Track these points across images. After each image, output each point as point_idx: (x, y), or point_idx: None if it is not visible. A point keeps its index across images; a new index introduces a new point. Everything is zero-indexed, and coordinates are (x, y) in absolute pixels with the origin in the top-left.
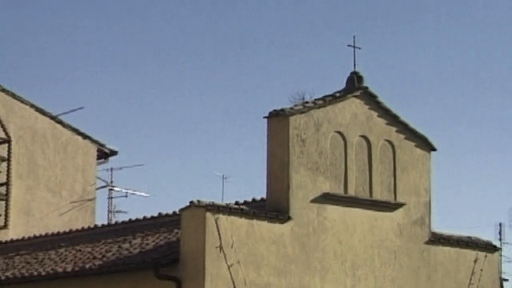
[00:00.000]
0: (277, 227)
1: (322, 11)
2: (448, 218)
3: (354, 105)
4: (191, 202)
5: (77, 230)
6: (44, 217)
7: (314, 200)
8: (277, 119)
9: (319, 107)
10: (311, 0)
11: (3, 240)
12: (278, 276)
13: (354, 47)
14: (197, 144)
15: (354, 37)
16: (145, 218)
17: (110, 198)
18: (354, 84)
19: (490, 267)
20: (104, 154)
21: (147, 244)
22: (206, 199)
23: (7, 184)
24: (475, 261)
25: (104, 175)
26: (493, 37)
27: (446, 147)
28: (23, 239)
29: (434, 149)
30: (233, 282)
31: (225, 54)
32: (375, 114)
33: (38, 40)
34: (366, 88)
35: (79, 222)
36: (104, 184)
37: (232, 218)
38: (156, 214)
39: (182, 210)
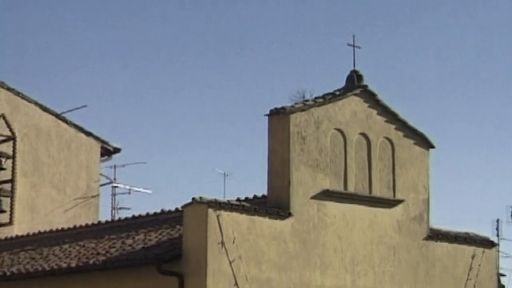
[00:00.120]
0: (277, 223)
1: (322, 11)
2: (447, 214)
3: (353, 103)
4: (193, 199)
5: (81, 227)
6: (49, 214)
7: (314, 197)
8: (278, 117)
9: (319, 105)
10: (312, 1)
11: (9, 236)
12: (279, 272)
13: (353, 46)
14: (199, 141)
15: (353, 36)
16: (148, 215)
17: (114, 195)
18: (354, 83)
19: (487, 262)
20: (107, 152)
21: (150, 240)
22: (208, 196)
23: (12, 181)
24: (473, 256)
25: (108, 172)
26: (491, 35)
27: (445, 145)
28: (28, 235)
29: (432, 147)
30: (235, 278)
31: (226, 53)
32: (374, 112)
33: (42, 40)
34: (366, 86)
35: (83, 218)
36: (108, 181)
37: (234, 214)
38: (158, 211)
39: (184, 206)
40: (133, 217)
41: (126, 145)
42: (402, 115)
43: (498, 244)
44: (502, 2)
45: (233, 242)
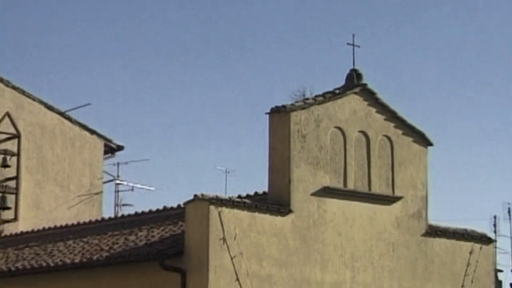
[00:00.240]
0: (278, 219)
1: (322, 11)
2: (445, 211)
3: (353, 102)
4: (195, 196)
5: (84, 223)
6: (53, 210)
7: (315, 194)
8: (279, 115)
9: (319, 104)
10: (312, 0)
11: (13, 232)
12: (280, 267)
13: (353, 45)
14: (201, 139)
15: (353, 35)
16: (150, 211)
17: (117, 191)
18: (353, 81)
19: (485, 258)
20: (110, 149)
21: (152, 236)
22: (210, 193)
23: (17, 178)
24: (471, 252)
25: (111, 169)
26: (489, 34)
27: (443, 143)
28: (32, 231)
29: (431, 144)
30: (236, 273)
31: (228, 53)
32: (373, 110)
33: (46, 39)
34: (365, 85)
35: (86, 215)
36: (111, 178)
37: (235, 211)
38: (161, 207)
39: (186, 203)
40: (136, 213)
41: (129, 143)
42: (401, 113)
43: (495, 240)
44: (500, 1)
45: (235, 238)
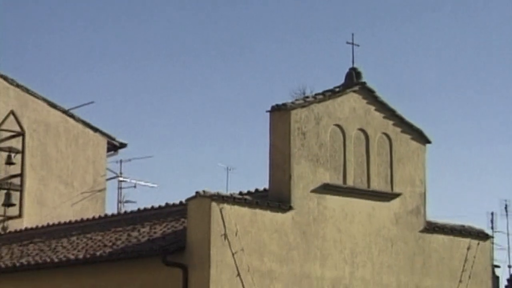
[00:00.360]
0: (279, 216)
1: (322, 11)
2: (443, 207)
3: (352, 100)
4: (197, 193)
5: (88, 219)
6: (57, 207)
7: (315, 190)
8: (279, 113)
9: (319, 102)
10: (312, 0)
11: (18, 229)
12: (280, 263)
13: (352, 44)
14: (202, 137)
15: (352, 34)
16: (153, 208)
17: (120, 188)
18: (353, 80)
19: (482, 254)
20: (113, 147)
21: (155, 233)
22: (211, 190)
23: (21, 175)
24: (468, 248)
25: (114, 166)
26: (487, 32)
27: (441, 140)
28: (36, 227)
29: (429, 142)
30: (237, 269)
31: (229, 53)
32: (372, 108)
33: (50, 38)
34: (364, 83)
35: (90, 211)
36: (114, 175)
37: (236, 207)
38: (163, 204)
39: (188, 200)
40: (139, 210)
41: (132, 140)
42: (400, 111)
43: (492, 237)
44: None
45: (236, 235)
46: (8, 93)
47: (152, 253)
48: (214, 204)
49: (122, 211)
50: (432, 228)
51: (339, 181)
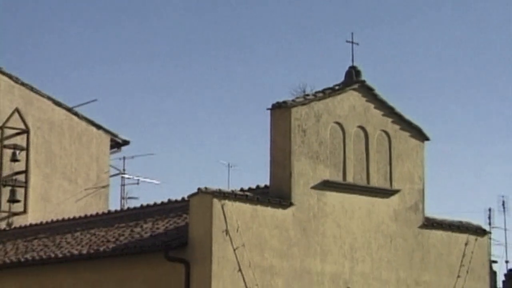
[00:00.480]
0: (279, 212)
1: (322, 10)
2: (441, 204)
3: (352, 98)
4: (199, 189)
5: (91, 215)
6: (61, 203)
7: (315, 187)
8: (280, 111)
9: (319, 99)
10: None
11: (23, 225)
12: (281, 259)
13: (352, 42)
14: (204, 134)
15: (352, 33)
16: (155, 204)
17: (123, 185)
18: (352, 78)
19: (480, 249)
20: (117, 144)
21: (157, 228)
22: (213, 186)
23: (26, 172)
24: (466, 244)
25: (117, 163)
26: (485, 30)
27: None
28: (41, 223)
29: (427, 139)
30: (239, 264)
31: (231, 51)
32: (372, 106)
33: (55, 37)
34: (364, 81)
35: (93, 208)
36: (117, 172)
37: (238, 204)
38: (166, 200)
39: (190, 196)
40: (142, 206)
41: (135, 138)
42: (399, 109)
43: (490, 232)
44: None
45: (237, 230)
46: (13, 91)
47: (154, 248)
48: (215, 200)
49: (125, 207)
50: (431, 224)
51: (339, 178)
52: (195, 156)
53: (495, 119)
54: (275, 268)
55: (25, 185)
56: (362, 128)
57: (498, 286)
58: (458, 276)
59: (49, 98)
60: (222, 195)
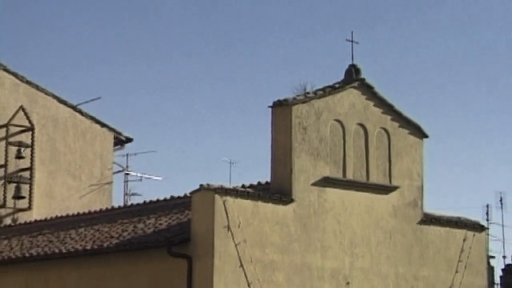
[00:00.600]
0: (280, 208)
1: (322, 9)
2: (439, 200)
3: (352, 96)
4: (201, 186)
5: (95, 212)
6: (65, 200)
7: (315, 184)
8: (281, 109)
9: (319, 97)
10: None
11: (28, 221)
12: (282, 254)
13: (352, 41)
14: (206, 132)
15: (352, 32)
16: (158, 200)
17: (126, 181)
18: (352, 76)
19: (478, 245)
20: (120, 141)
21: (160, 224)
22: (215, 183)
23: (31, 169)
24: (464, 240)
25: (120, 160)
26: (483, 29)
27: (438, 134)
28: (45, 219)
29: (426, 136)
30: (240, 260)
31: (232, 50)
32: (371, 103)
33: (59, 36)
34: (363, 79)
35: (97, 204)
36: (120, 169)
37: (239, 200)
38: (168, 197)
39: (192, 192)
40: (145, 202)
41: (138, 135)
42: (398, 106)
43: (488, 228)
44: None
45: (239, 226)
46: (18, 89)
47: (157, 244)
48: (217, 196)
49: (129, 203)
50: (429, 220)
51: (338, 175)
52: (197, 153)
53: (493, 116)
54: (276, 263)
55: (30, 181)
56: (361, 125)
57: (495, 281)
58: (457, 271)
59: (53, 96)
60: (224, 191)
